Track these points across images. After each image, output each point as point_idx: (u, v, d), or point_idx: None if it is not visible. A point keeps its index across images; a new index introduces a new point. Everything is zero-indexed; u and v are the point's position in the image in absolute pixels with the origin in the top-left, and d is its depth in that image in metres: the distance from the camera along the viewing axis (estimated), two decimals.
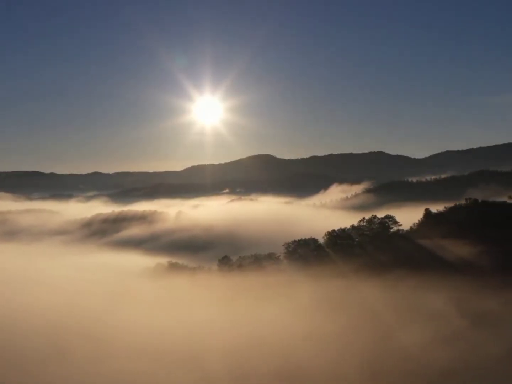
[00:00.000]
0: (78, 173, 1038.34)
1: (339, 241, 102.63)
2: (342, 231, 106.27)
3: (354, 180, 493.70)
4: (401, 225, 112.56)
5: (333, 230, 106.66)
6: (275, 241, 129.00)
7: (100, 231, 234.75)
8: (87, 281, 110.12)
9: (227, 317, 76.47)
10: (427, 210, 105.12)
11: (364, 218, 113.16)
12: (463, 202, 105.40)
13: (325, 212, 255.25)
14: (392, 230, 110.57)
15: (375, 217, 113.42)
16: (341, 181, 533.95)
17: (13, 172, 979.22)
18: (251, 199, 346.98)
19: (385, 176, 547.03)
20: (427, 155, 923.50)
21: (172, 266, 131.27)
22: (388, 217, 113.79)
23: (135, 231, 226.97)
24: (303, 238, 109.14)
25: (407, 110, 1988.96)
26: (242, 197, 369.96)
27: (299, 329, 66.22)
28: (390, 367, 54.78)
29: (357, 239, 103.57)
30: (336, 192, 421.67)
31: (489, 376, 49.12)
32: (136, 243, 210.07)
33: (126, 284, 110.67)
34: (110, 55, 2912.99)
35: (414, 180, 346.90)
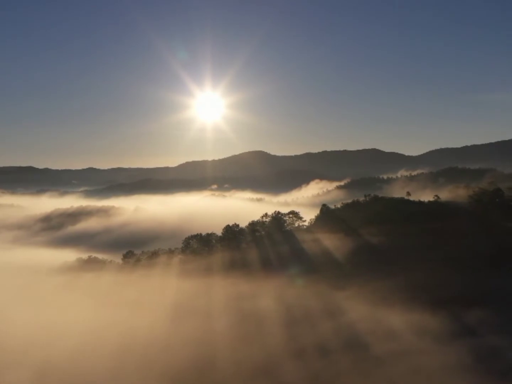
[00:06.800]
0: (73, 169, 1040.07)
1: (229, 236, 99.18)
2: (236, 226, 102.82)
3: (345, 177, 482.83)
4: (305, 221, 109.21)
5: (228, 226, 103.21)
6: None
7: (56, 226, 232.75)
8: None
9: (80, 317, 73.73)
10: (324, 206, 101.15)
11: (266, 213, 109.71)
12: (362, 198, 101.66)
13: (286, 209, 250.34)
14: (294, 226, 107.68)
15: (278, 213, 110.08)
16: (330, 178, 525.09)
17: (8, 167, 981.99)
18: (224, 195, 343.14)
19: (379, 173, 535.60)
20: (421, 152, 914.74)
21: (91, 261, 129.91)
22: (292, 212, 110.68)
23: (88, 225, 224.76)
24: (199, 233, 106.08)
25: (403, 108, 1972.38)
26: (216, 193, 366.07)
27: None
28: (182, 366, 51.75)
29: (249, 235, 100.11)
30: (315, 189, 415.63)
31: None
32: (86, 238, 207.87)
33: (25, 280, 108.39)
34: (108, 50, 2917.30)
35: (385, 177, 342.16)
